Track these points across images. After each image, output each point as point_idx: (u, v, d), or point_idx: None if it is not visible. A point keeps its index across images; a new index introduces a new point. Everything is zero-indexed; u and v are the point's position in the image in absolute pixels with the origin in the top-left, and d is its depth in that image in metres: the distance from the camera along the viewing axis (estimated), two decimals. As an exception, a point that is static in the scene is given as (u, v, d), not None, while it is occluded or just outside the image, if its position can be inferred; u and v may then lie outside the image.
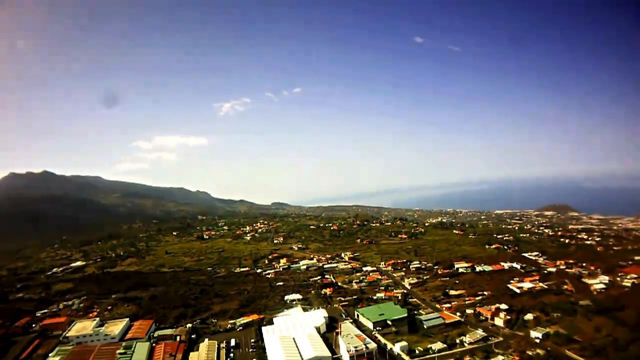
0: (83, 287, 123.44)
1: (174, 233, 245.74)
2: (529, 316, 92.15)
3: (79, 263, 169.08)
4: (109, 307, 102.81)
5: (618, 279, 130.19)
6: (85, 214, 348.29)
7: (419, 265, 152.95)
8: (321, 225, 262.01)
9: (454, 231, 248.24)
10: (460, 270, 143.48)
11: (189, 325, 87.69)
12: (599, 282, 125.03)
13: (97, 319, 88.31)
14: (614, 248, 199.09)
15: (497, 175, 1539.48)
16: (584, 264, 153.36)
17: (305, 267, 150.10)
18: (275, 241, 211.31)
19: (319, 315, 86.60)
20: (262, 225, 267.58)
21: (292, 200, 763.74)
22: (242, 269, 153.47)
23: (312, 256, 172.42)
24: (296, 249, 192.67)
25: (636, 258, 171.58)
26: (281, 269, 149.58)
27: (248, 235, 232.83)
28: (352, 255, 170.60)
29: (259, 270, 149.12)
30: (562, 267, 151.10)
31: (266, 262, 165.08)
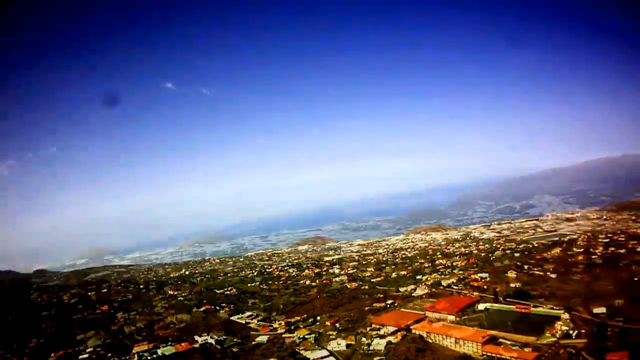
0: None
1: None
2: None
3: None
4: None
5: (364, 339, 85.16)
6: None
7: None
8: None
9: (169, 292, 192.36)
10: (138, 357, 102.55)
11: None
12: (328, 355, 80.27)
13: None
14: (372, 280, 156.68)
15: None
16: (319, 318, 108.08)
17: None
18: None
19: None
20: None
21: (56, 265, 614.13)
22: None
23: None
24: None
25: (402, 290, 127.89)
26: None
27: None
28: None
29: None
30: (280, 330, 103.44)
31: None
